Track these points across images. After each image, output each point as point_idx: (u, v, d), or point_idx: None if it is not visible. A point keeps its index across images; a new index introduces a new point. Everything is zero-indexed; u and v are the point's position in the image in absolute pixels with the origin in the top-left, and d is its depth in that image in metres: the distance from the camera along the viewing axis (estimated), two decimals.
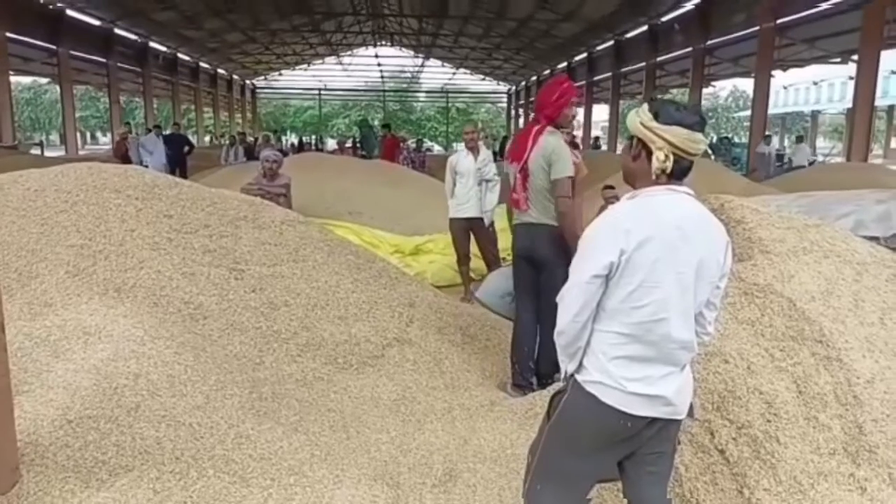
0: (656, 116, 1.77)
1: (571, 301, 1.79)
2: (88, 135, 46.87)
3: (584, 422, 1.84)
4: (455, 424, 3.19)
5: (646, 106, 1.82)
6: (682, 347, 1.80)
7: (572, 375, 1.88)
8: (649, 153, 1.78)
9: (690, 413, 1.93)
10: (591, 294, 1.75)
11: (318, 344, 3.52)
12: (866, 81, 13.11)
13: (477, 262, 5.92)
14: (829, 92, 32.00)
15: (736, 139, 26.47)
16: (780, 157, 18.16)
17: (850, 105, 15.72)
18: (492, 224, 5.59)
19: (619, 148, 26.95)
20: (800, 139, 17.78)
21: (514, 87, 40.65)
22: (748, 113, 19.71)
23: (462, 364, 3.78)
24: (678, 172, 1.77)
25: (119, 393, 2.56)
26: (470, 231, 5.61)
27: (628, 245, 1.70)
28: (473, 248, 5.74)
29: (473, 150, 5.57)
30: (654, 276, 1.71)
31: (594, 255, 1.75)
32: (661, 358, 1.78)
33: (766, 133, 18.09)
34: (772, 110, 23.96)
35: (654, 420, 1.82)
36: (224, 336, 3.31)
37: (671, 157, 1.74)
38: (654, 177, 1.78)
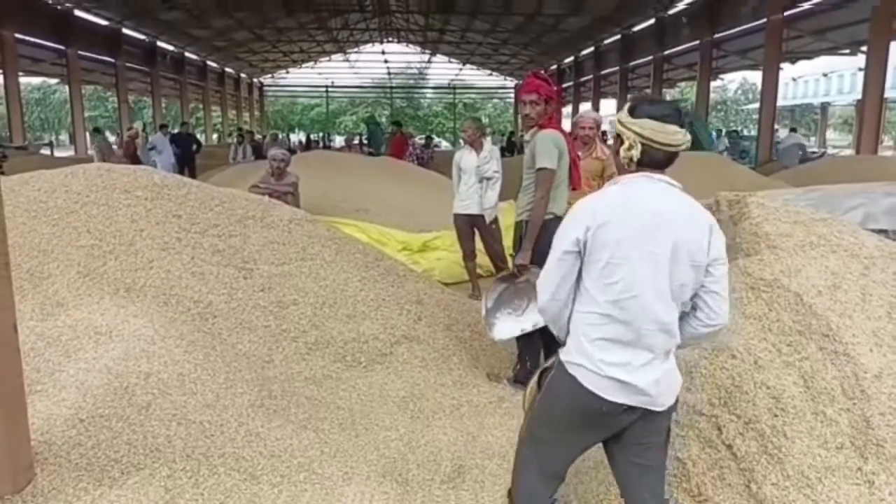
0: (631, 112, 1.88)
1: (548, 278, 1.91)
2: None
3: (563, 401, 1.93)
4: (463, 421, 3.21)
5: (628, 105, 1.93)
6: (661, 329, 1.84)
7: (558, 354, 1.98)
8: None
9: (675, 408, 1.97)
10: (565, 269, 1.87)
11: (326, 342, 3.55)
12: (876, 73, 12.98)
13: (483, 259, 5.93)
14: (839, 83, 31.66)
15: (745, 132, 26.30)
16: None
17: (859, 96, 15.54)
18: (494, 220, 5.58)
19: None
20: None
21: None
22: (757, 106, 19.56)
23: (470, 361, 3.80)
24: (653, 162, 1.87)
25: (130, 392, 2.59)
26: (474, 227, 5.60)
27: (594, 222, 1.82)
28: (479, 244, 5.74)
29: (474, 146, 5.55)
30: (621, 252, 1.80)
31: (565, 234, 1.88)
32: (640, 342, 1.84)
33: (792, 127, 18.14)
34: (781, 102, 23.75)
35: (631, 407, 1.86)
36: (233, 335, 3.34)
37: (637, 146, 1.85)
38: (624, 165, 1.90)
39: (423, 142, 16.67)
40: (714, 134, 17.99)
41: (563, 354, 1.93)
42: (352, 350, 3.56)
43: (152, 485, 2.32)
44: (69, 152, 22.70)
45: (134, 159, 12.03)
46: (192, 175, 11.65)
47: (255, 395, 2.92)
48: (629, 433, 1.93)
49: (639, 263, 1.80)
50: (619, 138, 1.92)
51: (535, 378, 2.13)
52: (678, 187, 1.89)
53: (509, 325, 3.66)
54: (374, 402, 3.28)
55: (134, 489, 2.29)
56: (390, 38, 34.15)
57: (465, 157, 5.56)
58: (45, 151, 19.75)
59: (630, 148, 1.86)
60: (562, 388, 1.91)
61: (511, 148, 20.18)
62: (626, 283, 1.81)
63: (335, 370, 3.43)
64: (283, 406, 2.99)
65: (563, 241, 1.88)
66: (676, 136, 1.84)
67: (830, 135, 35.46)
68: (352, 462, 2.73)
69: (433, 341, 3.80)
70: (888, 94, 14.45)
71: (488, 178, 5.48)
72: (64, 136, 42.43)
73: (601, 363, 1.83)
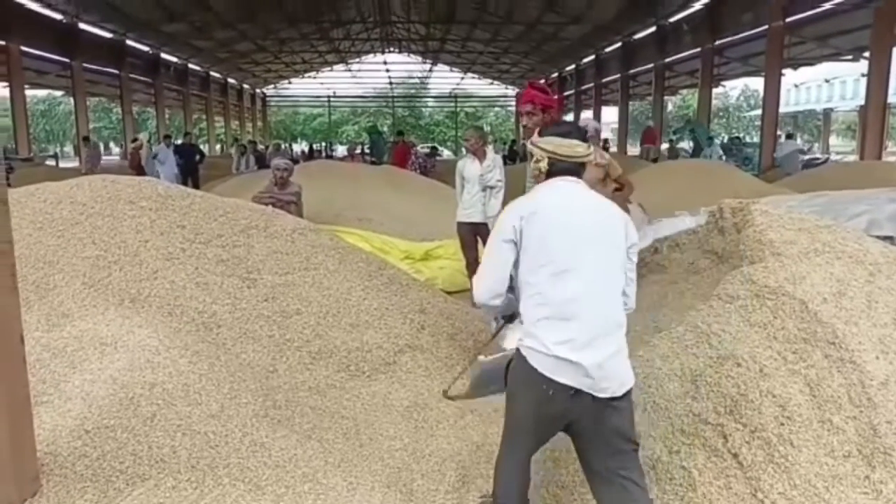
0: (539, 133, 2.31)
1: (487, 264, 2.19)
2: (102, 146, 47.34)
3: (517, 384, 2.11)
4: (467, 430, 3.20)
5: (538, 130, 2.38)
6: (595, 303, 2.04)
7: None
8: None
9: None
10: (503, 258, 2.13)
11: (330, 351, 3.55)
12: (878, 78, 12.99)
13: None
14: (842, 89, 31.69)
15: (748, 139, 26.27)
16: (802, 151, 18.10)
17: (862, 102, 15.53)
18: None
19: (629, 149, 26.91)
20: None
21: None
22: (759, 112, 19.56)
23: None
24: (560, 172, 2.22)
25: (135, 402, 2.60)
26: (477, 235, 5.62)
27: (525, 212, 2.13)
28: (482, 251, 5.74)
29: (477, 155, 5.58)
30: (547, 239, 2.08)
31: (502, 226, 2.16)
32: (578, 316, 2.02)
33: (789, 133, 18.20)
34: (783, 109, 23.78)
35: (577, 392, 2.00)
36: (238, 344, 3.35)
37: (545, 160, 2.22)
38: (536, 176, 2.27)
39: (426, 151, 16.68)
40: (707, 141, 17.90)
41: (518, 341, 2.13)
42: (355, 359, 3.56)
43: (157, 496, 2.32)
44: (73, 163, 22.80)
45: (139, 171, 12.08)
46: (196, 185, 11.69)
47: (260, 405, 2.91)
48: (584, 431, 2.07)
49: (562, 246, 2.07)
50: (531, 156, 2.29)
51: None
52: (584, 184, 2.25)
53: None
54: (377, 411, 3.28)
55: (139, 500, 2.29)
56: (392, 48, 34.30)
57: (469, 166, 5.58)
58: (50, 163, 19.84)
59: (538, 161, 2.24)
60: (517, 373, 2.11)
61: (513, 156, 20.21)
62: (555, 264, 2.06)
63: (339, 380, 3.43)
64: (288, 416, 2.99)
65: (500, 233, 2.15)
66: (577, 148, 2.21)
67: (834, 141, 35.43)
68: (356, 472, 2.72)
69: (437, 350, 3.80)
70: (891, 99, 14.44)
71: (492, 187, 5.50)
72: (68, 148, 42.63)
73: (548, 342, 2.01)
